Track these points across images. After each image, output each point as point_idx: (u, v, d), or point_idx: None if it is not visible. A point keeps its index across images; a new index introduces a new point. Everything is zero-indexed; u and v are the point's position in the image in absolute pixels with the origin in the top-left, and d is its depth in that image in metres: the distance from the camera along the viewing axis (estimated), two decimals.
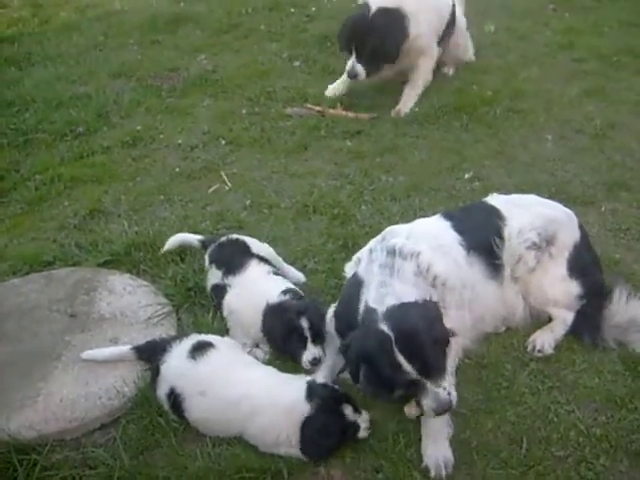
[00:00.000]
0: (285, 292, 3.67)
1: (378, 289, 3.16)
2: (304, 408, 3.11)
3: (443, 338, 3.03)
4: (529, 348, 3.63)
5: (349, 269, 3.67)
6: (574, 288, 3.71)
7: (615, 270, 4.08)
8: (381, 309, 3.03)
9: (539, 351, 3.59)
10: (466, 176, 5.17)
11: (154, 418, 3.32)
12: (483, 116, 6.00)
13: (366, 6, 5.98)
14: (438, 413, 2.97)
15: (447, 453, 3.10)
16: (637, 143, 5.52)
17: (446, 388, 2.95)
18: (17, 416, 3.34)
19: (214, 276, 3.97)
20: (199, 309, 4.01)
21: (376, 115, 6.13)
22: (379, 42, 5.93)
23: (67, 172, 5.50)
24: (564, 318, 3.71)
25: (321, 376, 3.45)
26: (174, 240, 4.42)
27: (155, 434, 3.28)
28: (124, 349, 3.60)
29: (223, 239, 4.15)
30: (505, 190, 4.61)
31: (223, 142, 5.88)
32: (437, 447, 3.11)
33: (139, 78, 7.17)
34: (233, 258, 3.96)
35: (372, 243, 3.55)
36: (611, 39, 7.51)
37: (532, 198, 3.98)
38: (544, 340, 3.63)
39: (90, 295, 4.11)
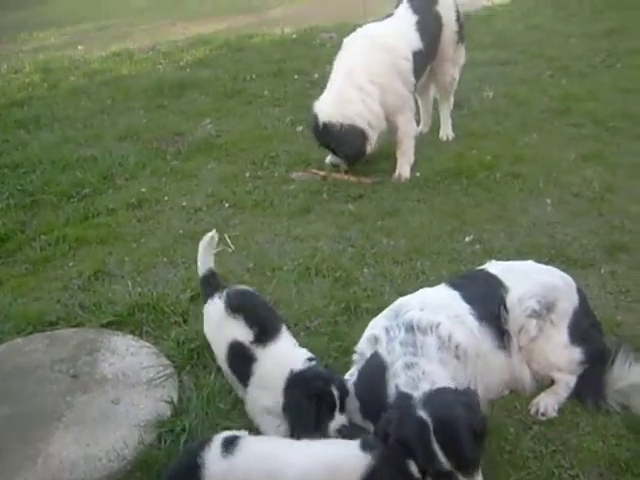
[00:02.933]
0: (310, 359, 3.39)
1: (406, 372, 3.12)
2: (362, 460, 2.79)
3: (482, 430, 2.89)
4: (532, 411, 3.59)
5: (365, 348, 3.50)
6: (576, 354, 3.69)
7: (616, 332, 4.08)
8: (416, 394, 2.96)
9: (542, 414, 3.56)
10: (467, 239, 5.20)
11: None
12: (483, 180, 6.07)
13: (315, 118, 6.05)
14: None
15: None
16: (635, 206, 5.55)
17: None
18: (16, 477, 3.30)
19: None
20: (201, 370, 3.98)
21: (378, 179, 6.23)
22: (341, 153, 6.13)
23: (72, 233, 5.56)
24: (567, 382, 3.69)
25: None
26: None
27: None
28: None
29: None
30: (506, 253, 4.69)
31: (227, 205, 5.96)
32: None
33: (145, 141, 7.34)
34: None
35: (385, 321, 3.48)
36: (607, 105, 7.65)
37: (530, 265, 3.98)
38: (547, 403, 3.60)
39: (93, 356, 4.11)
